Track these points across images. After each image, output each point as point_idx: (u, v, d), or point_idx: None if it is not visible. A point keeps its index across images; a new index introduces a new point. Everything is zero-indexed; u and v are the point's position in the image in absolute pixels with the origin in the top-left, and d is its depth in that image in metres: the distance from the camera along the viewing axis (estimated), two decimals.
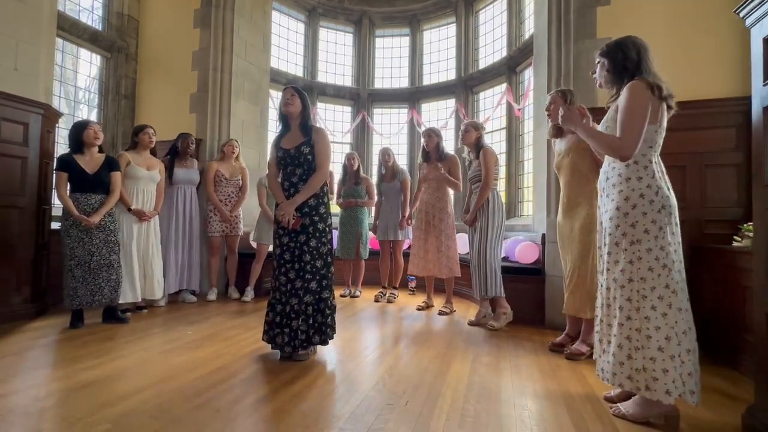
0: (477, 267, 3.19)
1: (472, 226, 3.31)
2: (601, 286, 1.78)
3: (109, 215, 3.02)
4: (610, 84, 1.83)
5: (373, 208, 4.43)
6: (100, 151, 3.08)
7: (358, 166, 4.40)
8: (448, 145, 5.91)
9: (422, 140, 3.77)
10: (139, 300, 3.30)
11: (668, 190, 1.68)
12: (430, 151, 3.71)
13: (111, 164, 3.07)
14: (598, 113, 2.78)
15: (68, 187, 2.93)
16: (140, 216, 3.27)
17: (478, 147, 3.29)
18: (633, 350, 1.62)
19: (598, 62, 1.87)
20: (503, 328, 3.14)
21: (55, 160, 3.00)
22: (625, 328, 1.64)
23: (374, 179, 4.43)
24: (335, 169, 5.12)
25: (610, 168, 1.77)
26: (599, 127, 1.82)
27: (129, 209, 3.22)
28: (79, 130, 2.98)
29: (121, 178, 3.16)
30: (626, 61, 1.74)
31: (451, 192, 3.75)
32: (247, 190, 4.13)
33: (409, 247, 3.87)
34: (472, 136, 3.31)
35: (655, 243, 1.61)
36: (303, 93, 2.43)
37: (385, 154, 4.21)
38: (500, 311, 3.18)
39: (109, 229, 3.01)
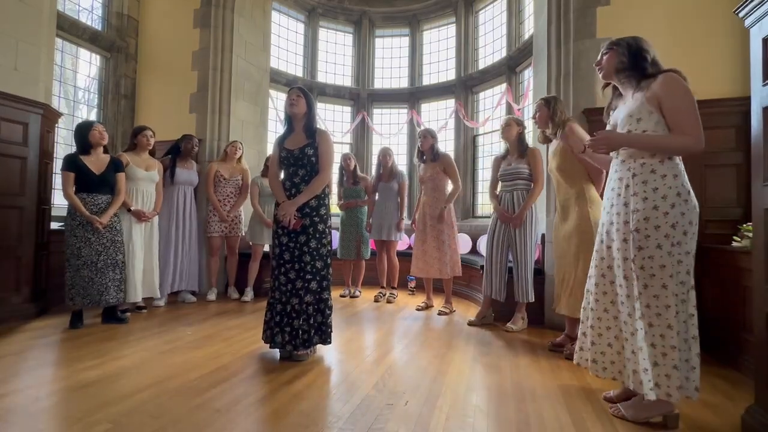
0: (520, 271, 3.08)
1: (516, 227, 3.11)
2: (626, 296, 1.65)
3: (115, 215, 3.04)
4: (626, 72, 1.71)
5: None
6: (105, 151, 3.10)
7: (355, 166, 4.42)
8: (449, 146, 5.93)
9: (418, 141, 3.78)
10: (140, 300, 3.30)
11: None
12: (425, 152, 3.73)
13: (116, 165, 3.10)
14: (598, 113, 2.79)
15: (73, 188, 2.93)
16: (139, 216, 3.27)
17: (522, 145, 3.19)
18: (660, 356, 1.56)
19: (607, 51, 1.77)
20: (511, 329, 3.10)
21: (62, 159, 2.99)
22: (649, 335, 1.58)
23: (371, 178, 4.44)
24: (334, 170, 5.12)
25: (637, 164, 1.64)
26: (623, 125, 1.70)
27: (129, 210, 3.22)
28: (84, 131, 2.99)
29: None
30: (644, 52, 1.69)
31: (449, 191, 3.74)
32: (247, 191, 4.12)
33: (409, 248, 3.86)
34: (513, 131, 3.16)
35: (692, 245, 1.58)
36: (308, 94, 2.43)
37: (386, 154, 4.21)
38: (519, 315, 3.16)
39: (116, 228, 3.03)
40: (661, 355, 1.56)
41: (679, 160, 1.64)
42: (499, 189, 3.30)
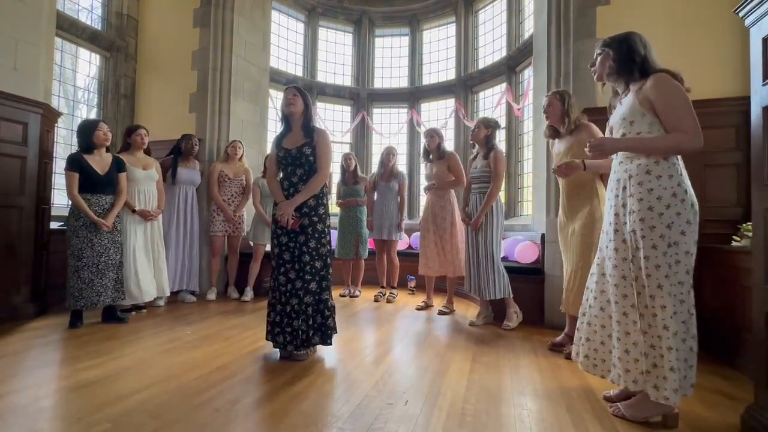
0: (485, 269, 3.16)
1: (474, 230, 3.25)
2: (623, 296, 1.68)
3: (117, 215, 3.03)
4: (614, 75, 1.75)
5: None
6: (107, 150, 3.08)
7: (356, 166, 4.43)
8: (448, 145, 5.92)
9: (424, 140, 3.78)
10: (145, 301, 3.27)
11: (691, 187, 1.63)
12: (432, 151, 3.74)
13: (119, 164, 3.08)
14: (598, 113, 2.79)
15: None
16: (145, 216, 3.26)
17: (488, 146, 3.24)
18: (658, 358, 1.59)
19: (600, 53, 1.80)
20: (508, 327, 3.12)
21: (63, 159, 2.99)
22: (648, 335, 1.61)
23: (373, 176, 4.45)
24: (333, 169, 5.12)
25: (633, 165, 1.65)
26: (617, 128, 1.73)
27: (133, 211, 3.22)
28: (88, 131, 2.96)
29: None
30: (634, 54, 1.69)
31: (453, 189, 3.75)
32: (251, 191, 4.13)
33: (409, 248, 3.86)
34: (481, 133, 3.25)
35: (690, 245, 1.56)
36: (305, 93, 2.43)
37: (390, 153, 4.23)
38: (511, 311, 3.19)
39: (116, 229, 3.03)
40: (659, 356, 1.58)
41: (677, 159, 1.64)
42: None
